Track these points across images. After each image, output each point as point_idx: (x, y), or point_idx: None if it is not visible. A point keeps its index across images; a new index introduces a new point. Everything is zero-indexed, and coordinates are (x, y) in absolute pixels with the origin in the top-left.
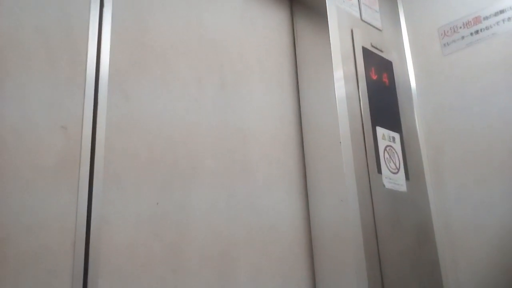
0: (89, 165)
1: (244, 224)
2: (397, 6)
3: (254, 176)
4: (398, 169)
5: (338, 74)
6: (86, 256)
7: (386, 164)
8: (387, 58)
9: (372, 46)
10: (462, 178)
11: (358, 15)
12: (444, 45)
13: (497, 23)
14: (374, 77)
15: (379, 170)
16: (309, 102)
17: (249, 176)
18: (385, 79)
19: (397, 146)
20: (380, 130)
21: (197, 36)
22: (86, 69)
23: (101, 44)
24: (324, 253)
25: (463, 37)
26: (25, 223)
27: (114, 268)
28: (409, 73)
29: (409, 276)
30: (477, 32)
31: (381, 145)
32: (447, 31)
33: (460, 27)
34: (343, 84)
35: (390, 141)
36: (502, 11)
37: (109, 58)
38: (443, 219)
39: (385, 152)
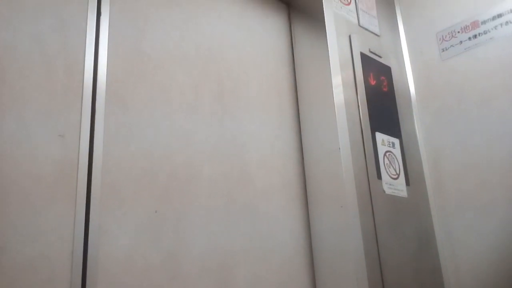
0: (86, 174)
1: (243, 232)
2: (395, 12)
3: (253, 183)
4: (398, 175)
5: (337, 80)
6: (84, 266)
7: (386, 170)
8: (385, 63)
9: (371, 51)
10: (463, 183)
11: (356, 21)
12: (443, 50)
13: (495, 27)
14: (373, 82)
15: (379, 176)
16: (308, 108)
17: (248, 184)
18: (384, 84)
19: (397, 151)
20: (379, 136)
21: (194, 44)
22: (83, 78)
23: (98, 53)
24: (324, 261)
25: (461, 42)
26: (22, 232)
27: (112, 278)
28: (408, 78)
29: (410, 282)
30: (475, 36)
31: (381, 150)
32: (445, 36)
33: (458, 32)
34: (341, 90)
35: (389, 146)
36: (499, 15)
37: (107, 67)
38: (445, 225)
39: (385, 157)
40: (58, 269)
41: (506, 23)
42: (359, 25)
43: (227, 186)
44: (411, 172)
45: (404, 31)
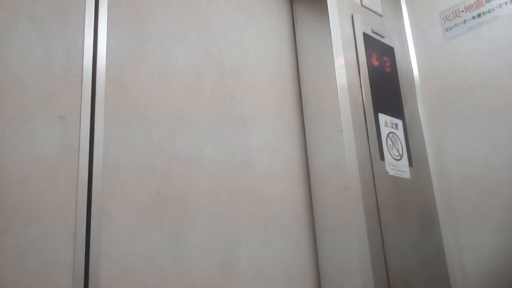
0: (88, 156)
1: (246, 214)
2: None
3: (255, 165)
4: (401, 156)
5: (339, 61)
6: (87, 247)
7: (389, 151)
8: (388, 44)
9: (373, 32)
10: (466, 164)
11: (358, 0)
12: (446, 29)
13: (499, 5)
14: (376, 63)
15: (382, 157)
16: (310, 89)
17: (250, 166)
18: (386, 65)
19: (400, 132)
20: (382, 117)
21: (194, 25)
22: (83, 59)
23: (97, 33)
24: (327, 242)
25: (465, 21)
26: (24, 213)
27: (115, 259)
28: (411, 58)
29: (413, 262)
30: (479, 15)
31: (384, 132)
32: (449, 15)
33: (462, 11)
34: (344, 71)
35: (392, 127)
36: None
37: (106, 48)
38: (448, 206)
39: (388, 139)
40: (60, 250)
41: (511, 1)
42: (361, 4)
43: (229, 168)
44: (414, 153)
45: (407, 11)
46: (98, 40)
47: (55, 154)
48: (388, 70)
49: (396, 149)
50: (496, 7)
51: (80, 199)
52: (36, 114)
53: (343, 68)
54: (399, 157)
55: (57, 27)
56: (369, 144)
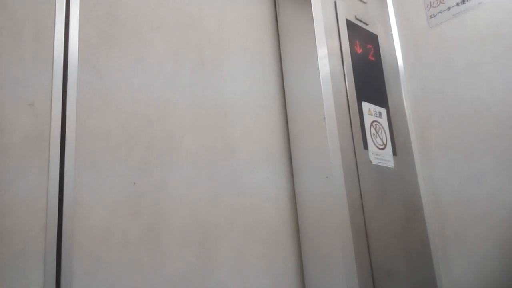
0: (59, 144)
1: (226, 205)
2: None
3: (236, 154)
4: (385, 145)
5: (322, 50)
6: (59, 239)
7: (372, 140)
8: (372, 31)
9: (357, 19)
10: (451, 152)
11: None
12: (430, 16)
13: None
14: (359, 51)
15: (365, 146)
16: (292, 77)
17: (231, 155)
18: (370, 53)
19: (384, 121)
20: (366, 105)
21: (173, 10)
22: (53, 44)
23: (69, 18)
24: (310, 232)
25: (449, 8)
26: None
27: (88, 251)
28: (395, 46)
29: (397, 251)
30: (463, 1)
31: (367, 120)
32: (433, 2)
33: None
34: (327, 60)
35: (376, 116)
36: None
37: (78, 33)
38: (432, 195)
39: (372, 127)
40: (31, 243)
41: None
42: None
43: (208, 158)
44: (398, 142)
45: None
46: (69, 24)
47: (24, 143)
48: (372, 58)
49: (380, 138)
50: None
51: (52, 190)
52: (4, 102)
53: (326, 58)
54: (383, 146)
55: (26, 10)
56: (352, 133)
